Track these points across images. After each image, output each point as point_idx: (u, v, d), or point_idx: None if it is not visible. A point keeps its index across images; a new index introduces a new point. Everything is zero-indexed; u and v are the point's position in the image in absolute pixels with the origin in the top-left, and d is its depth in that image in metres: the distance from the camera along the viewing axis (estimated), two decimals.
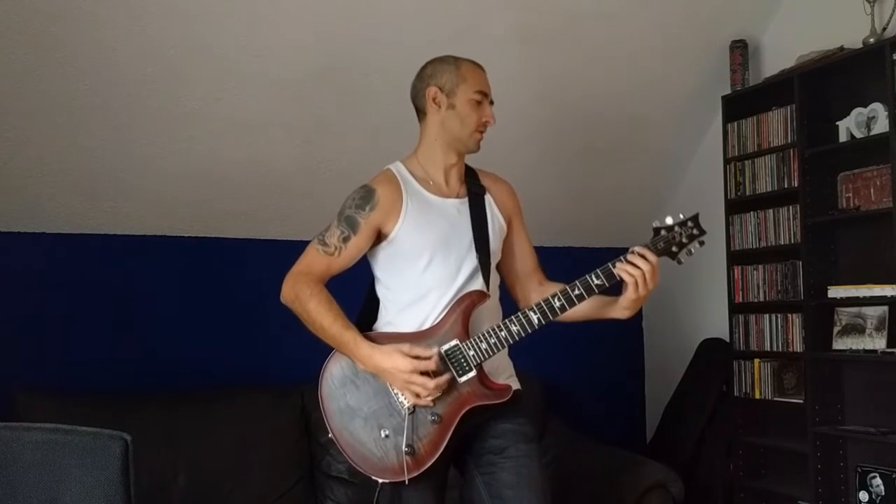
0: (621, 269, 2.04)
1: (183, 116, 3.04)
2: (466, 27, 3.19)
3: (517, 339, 2.06)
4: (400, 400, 2.05)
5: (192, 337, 3.36)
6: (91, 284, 3.22)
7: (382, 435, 2.04)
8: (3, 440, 1.63)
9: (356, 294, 2.25)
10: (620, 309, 2.12)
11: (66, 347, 3.16)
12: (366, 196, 2.12)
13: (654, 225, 2.13)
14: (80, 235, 3.21)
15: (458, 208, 2.18)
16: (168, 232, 3.37)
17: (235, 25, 2.89)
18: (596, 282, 2.06)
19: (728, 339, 3.78)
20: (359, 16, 3.03)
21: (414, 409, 2.03)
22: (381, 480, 2.04)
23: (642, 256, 2.04)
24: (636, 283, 2.04)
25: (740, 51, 3.74)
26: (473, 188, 2.23)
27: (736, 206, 3.74)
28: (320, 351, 2.13)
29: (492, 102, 2.20)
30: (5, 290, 3.07)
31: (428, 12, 3.11)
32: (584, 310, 2.12)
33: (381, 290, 2.20)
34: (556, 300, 2.05)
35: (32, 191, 3.02)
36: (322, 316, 2.06)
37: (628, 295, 2.07)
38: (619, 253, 2.09)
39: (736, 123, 3.74)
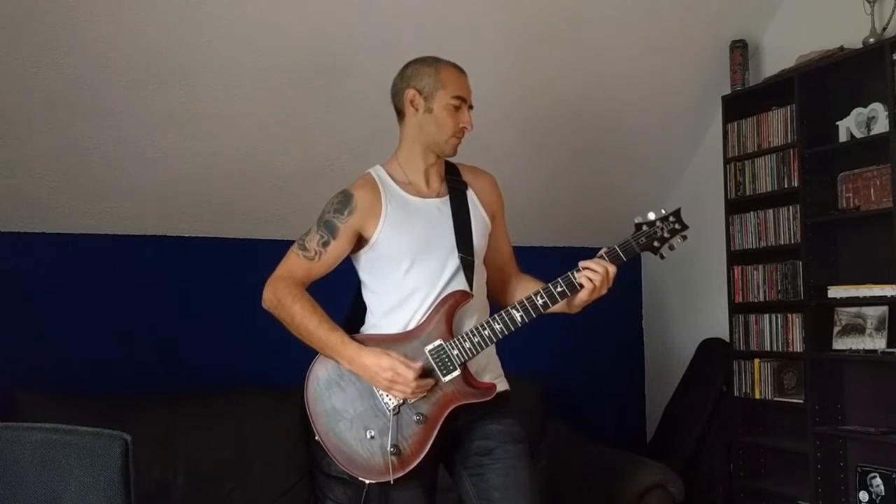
0: (581, 277, 2.08)
1: (183, 116, 3.04)
2: (465, 27, 3.19)
3: (501, 337, 2.07)
4: (385, 401, 2.05)
5: (192, 337, 3.36)
6: (91, 284, 3.23)
7: (368, 436, 2.05)
8: (3, 440, 1.63)
9: (343, 299, 2.25)
10: (573, 307, 2.15)
11: (66, 347, 3.16)
12: (344, 201, 2.13)
13: (636, 220, 2.17)
14: (80, 235, 3.21)
15: (440, 208, 2.17)
16: (168, 232, 3.37)
17: (235, 26, 2.89)
18: (579, 280, 2.08)
19: (728, 339, 3.78)
20: (358, 16, 3.03)
21: (399, 410, 2.04)
22: (367, 481, 2.05)
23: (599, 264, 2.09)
24: (594, 287, 2.08)
25: (740, 51, 3.73)
26: (455, 185, 2.22)
27: (736, 206, 3.74)
28: None
29: (471, 107, 2.18)
30: (5, 289, 3.07)
31: (428, 13, 3.11)
32: (556, 305, 2.13)
33: (366, 294, 2.20)
34: (538, 298, 2.07)
35: (32, 191, 3.02)
36: (307, 320, 2.06)
37: (582, 296, 2.10)
38: None
39: (736, 123, 3.74)
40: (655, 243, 2.15)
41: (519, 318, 2.07)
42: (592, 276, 2.07)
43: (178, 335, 3.35)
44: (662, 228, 2.16)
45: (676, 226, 2.18)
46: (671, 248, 2.18)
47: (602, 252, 2.11)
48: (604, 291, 2.10)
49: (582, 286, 2.08)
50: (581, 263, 2.10)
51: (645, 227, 2.15)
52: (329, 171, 3.35)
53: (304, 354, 2.15)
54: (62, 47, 2.72)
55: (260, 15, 2.89)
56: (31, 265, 3.14)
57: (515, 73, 3.45)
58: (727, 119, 3.78)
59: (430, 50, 2.26)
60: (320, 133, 3.30)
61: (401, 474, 2.02)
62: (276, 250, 2.22)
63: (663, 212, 2.18)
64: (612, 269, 2.09)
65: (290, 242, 2.18)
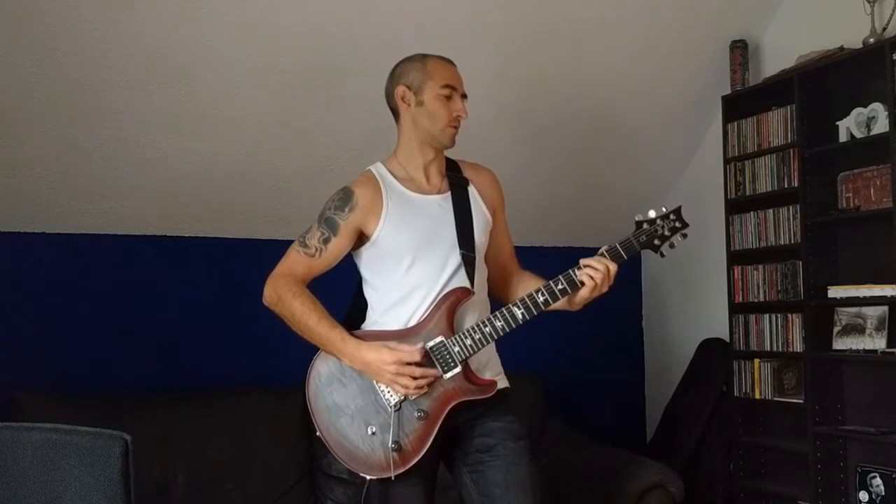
0: (582, 274, 2.08)
1: (183, 116, 3.04)
2: (465, 27, 3.19)
3: (502, 334, 2.08)
4: (386, 397, 2.06)
5: (192, 337, 3.36)
6: (91, 284, 3.22)
7: (369, 432, 2.06)
8: (3, 440, 1.64)
9: (343, 296, 2.25)
10: (574, 305, 2.15)
11: (66, 347, 3.16)
12: (345, 197, 2.13)
13: (637, 218, 2.17)
14: (81, 235, 3.21)
15: (441, 204, 2.18)
16: (168, 232, 3.37)
17: (235, 26, 2.89)
18: (580, 277, 2.09)
19: (728, 339, 3.78)
20: (358, 16, 3.03)
21: (400, 406, 2.05)
22: (368, 477, 2.06)
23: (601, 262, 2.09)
24: (595, 285, 2.08)
25: (740, 51, 3.74)
26: (456, 182, 2.22)
27: (736, 206, 3.74)
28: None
29: (464, 96, 2.19)
30: (5, 289, 3.07)
31: (428, 13, 3.11)
32: (557, 303, 2.13)
33: (367, 291, 2.21)
34: (539, 295, 2.08)
35: (32, 191, 3.02)
36: (307, 316, 2.07)
37: (583, 294, 2.10)
38: None
39: (736, 123, 3.74)
40: (656, 241, 2.16)
41: (520, 315, 2.07)
42: (593, 273, 2.07)
43: (178, 335, 3.35)
44: (663, 226, 2.16)
45: (677, 224, 2.18)
46: (672, 246, 2.19)
47: (603, 250, 2.12)
48: (605, 289, 2.10)
49: (583, 284, 2.08)
50: (582, 261, 2.10)
51: (646, 225, 2.16)
52: (329, 171, 3.35)
53: (304, 354, 2.15)
54: (62, 47, 2.72)
55: (260, 15, 2.89)
56: (31, 265, 3.14)
57: (515, 73, 3.45)
58: (727, 119, 3.78)
59: (430, 50, 2.26)
60: (320, 133, 3.30)
61: (402, 470, 2.03)
62: (276, 250, 2.22)
63: (664, 210, 2.19)
64: (613, 267, 2.09)
65: (291, 242, 2.19)
